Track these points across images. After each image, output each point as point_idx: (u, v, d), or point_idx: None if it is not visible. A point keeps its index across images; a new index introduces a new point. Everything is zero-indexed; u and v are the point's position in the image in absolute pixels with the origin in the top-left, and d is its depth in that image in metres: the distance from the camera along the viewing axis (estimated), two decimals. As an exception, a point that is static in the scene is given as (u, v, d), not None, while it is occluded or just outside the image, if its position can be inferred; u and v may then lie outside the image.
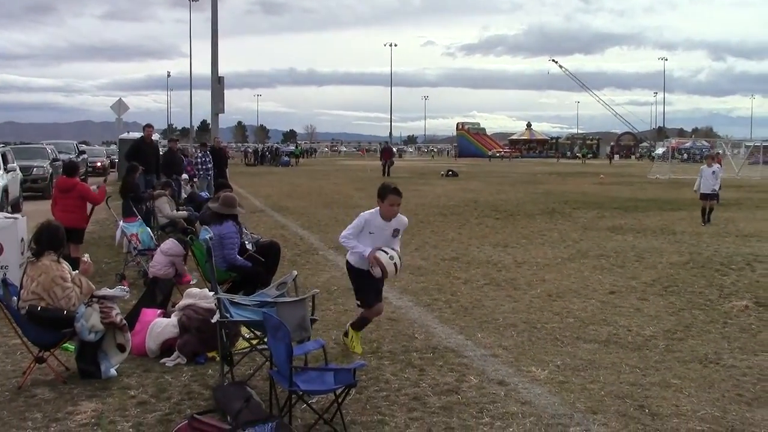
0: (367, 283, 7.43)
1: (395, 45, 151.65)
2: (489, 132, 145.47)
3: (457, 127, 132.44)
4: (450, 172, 48.34)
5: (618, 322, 8.84)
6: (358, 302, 7.60)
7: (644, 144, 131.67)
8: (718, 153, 40.15)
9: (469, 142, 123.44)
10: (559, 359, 7.36)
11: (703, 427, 5.65)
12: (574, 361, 7.31)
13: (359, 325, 7.67)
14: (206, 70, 32.19)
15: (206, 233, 8.03)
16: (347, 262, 7.56)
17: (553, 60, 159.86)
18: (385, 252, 7.14)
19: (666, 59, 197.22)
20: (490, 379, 6.79)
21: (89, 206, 11.66)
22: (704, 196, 19.64)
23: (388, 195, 7.17)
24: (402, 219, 7.42)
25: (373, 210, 7.33)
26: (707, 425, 5.69)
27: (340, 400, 5.46)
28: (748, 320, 9.02)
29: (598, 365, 7.17)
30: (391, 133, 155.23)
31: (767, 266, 12.69)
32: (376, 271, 7.15)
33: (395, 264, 7.17)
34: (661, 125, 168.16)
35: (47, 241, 6.92)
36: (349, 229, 7.31)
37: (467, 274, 11.93)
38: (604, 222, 19.74)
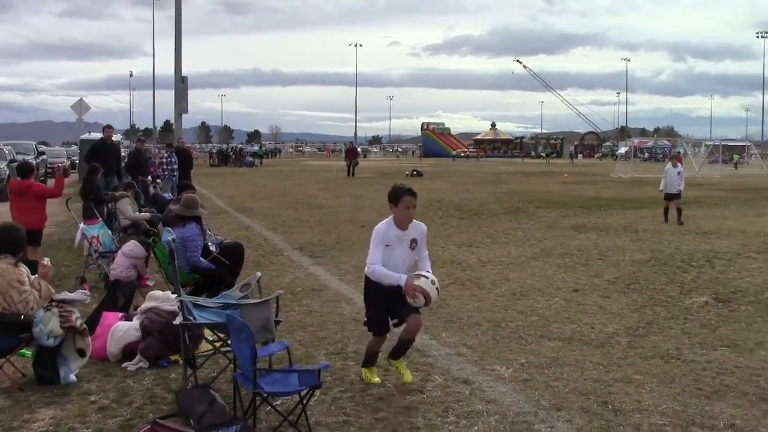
0: (379, 305, 6.55)
1: (360, 45, 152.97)
2: (454, 132, 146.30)
3: (421, 127, 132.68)
4: (415, 172, 48.42)
5: (581, 320, 8.91)
6: (366, 323, 6.75)
7: (607, 143, 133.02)
8: (679, 152, 40.66)
9: (434, 142, 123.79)
10: (524, 357, 7.39)
11: (664, 421, 5.72)
12: (538, 359, 7.35)
13: (367, 362, 6.86)
14: (169, 70, 31.87)
15: (169, 235, 7.96)
16: (366, 277, 6.56)
17: (518, 60, 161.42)
18: (425, 276, 6.29)
19: (628, 60, 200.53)
20: (454, 378, 6.80)
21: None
22: (669, 196, 19.69)
23: (402, 197, 6.31)
24: (419, 226, 6.53)
25: (386, 220, 6.44)
26: (668, 419, 5.75)
27: (305, 401, 5.42)
28: (708, 316, 9.14)
29: (562, 363, 7.21)
30: (356, 133, 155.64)
31: (726, 263, 12.87)
32: (419, 301, 6.21)
33: (437, 288, 6.32)
34: (624, 125, 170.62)
35: (2, 243, 6.77)
36: (374, 253, 6.32)
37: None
38: (567, 221, 19.88)
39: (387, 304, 6.48)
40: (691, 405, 6.08)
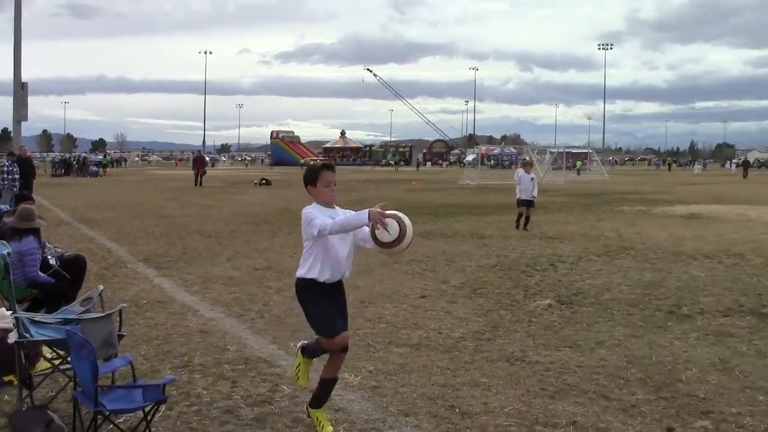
0: (326, 303, 5.59)
1: (210, 52, 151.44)
2: (303, 140, 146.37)
3: (271, 136, 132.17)
4: (263, 181, 48.06)
5: (429, 326, 9.04)
6: (317, 332, 5.64)
7: (455, 151, 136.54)
8: (525, 159, 42.23)
9: (283, 150, 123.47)
10: (372, 364, 7.43)
11: (509, 422, 5.87)
12: (387, 365, 7.40)
13: (311, 353, 5.94)
14: (8, 75, 30.50)
15: (3, 248, 7.56)
16: (299, 279, 5.64)
17: (368, 69, 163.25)
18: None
19: (477, 69, 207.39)
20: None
21: None
22: (524, 203, 19.94)
23: (320, 174, 5.58)
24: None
25: (312, 204, 5.63)
26: (513, 420, 5.91)
27: (149, 417, 5.25)
28: (551, 318, 9.47)
29: (410, 369, 7.29)
30: (204, 141, 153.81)
31: (569, 266, 13.40)
32: (392, 230, 5.49)
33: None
34: (472, 132, 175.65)
35: None
36: (319, 219, 5.38)
37: (280, 283, 11.84)
38: (415, 228, 19.84)
39: (327, 301, 5.60)
40: (535, 405, 6.26)
